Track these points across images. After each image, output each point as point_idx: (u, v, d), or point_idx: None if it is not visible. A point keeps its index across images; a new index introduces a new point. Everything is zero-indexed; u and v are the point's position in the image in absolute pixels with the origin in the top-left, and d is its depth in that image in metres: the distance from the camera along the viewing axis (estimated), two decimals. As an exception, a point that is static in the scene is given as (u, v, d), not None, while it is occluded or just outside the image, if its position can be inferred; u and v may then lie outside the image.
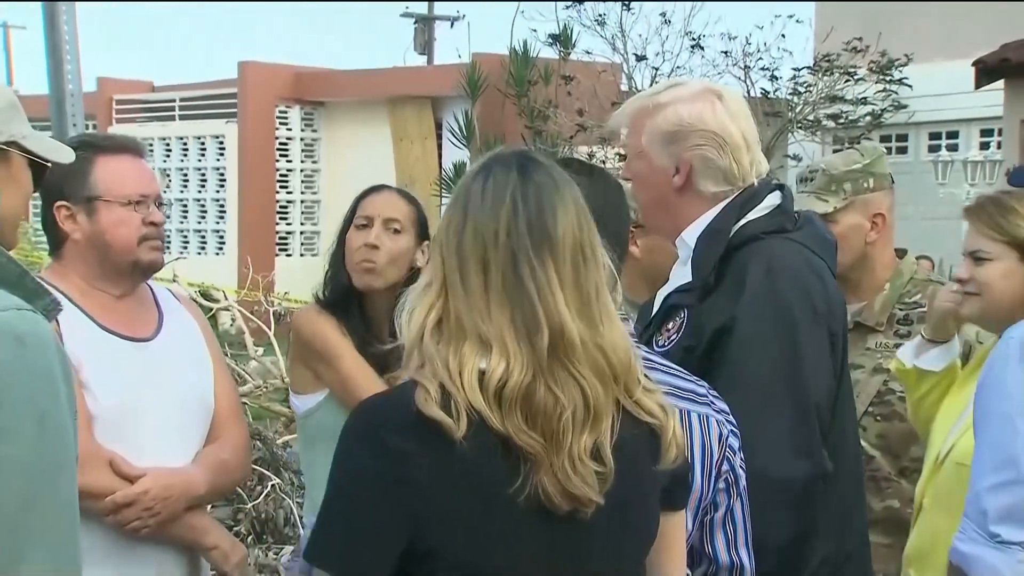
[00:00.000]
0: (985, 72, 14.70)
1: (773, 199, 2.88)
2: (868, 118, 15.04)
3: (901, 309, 3.80)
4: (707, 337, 2.74)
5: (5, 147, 2.27)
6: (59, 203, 2.96)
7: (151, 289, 3.15)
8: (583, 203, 2.08)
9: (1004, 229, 3.05)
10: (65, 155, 2.47)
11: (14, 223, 2.35)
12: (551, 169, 2.09)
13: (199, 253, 19.39)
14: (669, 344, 2.80)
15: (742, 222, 2.84)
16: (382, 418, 2.04)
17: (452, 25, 32.98)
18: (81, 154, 2.91)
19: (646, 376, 2.10)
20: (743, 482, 2.51)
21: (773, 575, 2.62)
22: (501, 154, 2.10)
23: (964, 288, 3.11)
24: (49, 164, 2.37)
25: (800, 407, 2.69)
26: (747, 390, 2.62)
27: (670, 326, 2.86)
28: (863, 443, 3.56)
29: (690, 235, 2.88)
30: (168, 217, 19.27)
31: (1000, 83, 14.65)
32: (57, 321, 2.80)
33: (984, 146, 16.22)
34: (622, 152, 11.37)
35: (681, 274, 2.92)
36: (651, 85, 13.10)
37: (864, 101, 14.90)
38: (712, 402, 2.51)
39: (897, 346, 3.62)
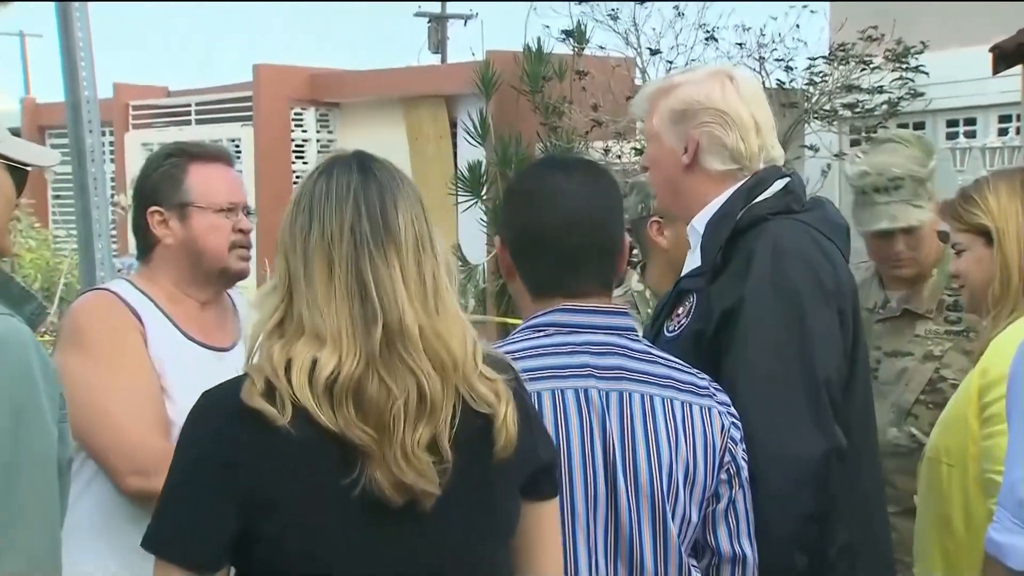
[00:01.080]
0: (1002, 57, 14.62)
1: (781, 183, 2.92)
2: (885, 107, 14.98)
3: (949, 295, 3.79)
4: (715, 319, 2.78)
5: None
6: (152, 208, 3.03)
7: (231, 298, 3.23)
8: (421, 198, 2.17)
9: (965, 219, 3.12)
10: (47, 158, 2.51)
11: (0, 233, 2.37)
12: (390, 166, 2.16)
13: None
14: (679, 329, 2.86)
15: (749, 206, 2.87)
16: (213, 406, 2.10)
17: (466, 23, 33.04)
18: (175, 160, 3.06)
19: (488, 366, 2.16)
20: (745, 473, 2.56)
21: (794, 555, 2.63)
22: (341, 155, 2.17)
23: (957, 284, 3.22)
24: (29, 168, 2.38)
25: (810, 385, 2.70)
26: (755, 371, 2.66)
27: (680, 311, 2.91)
28: (914, 430, 3.55)
29: (700, 222, 2.92)
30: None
31: (1018, 68, 14.55)
32: (142, 324, 2.87)
33: (1002, 132, 16.16)
34: (638, 147, 11.39)
35: (693, 261, 2.97)
36: (666, 79, 13.08)
37: (880, 90, 14.83)
38: (714, 394, 2.58)
39: (948, 333, 3.62)
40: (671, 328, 2.87)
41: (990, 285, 3.08)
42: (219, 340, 3.10)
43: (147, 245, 3.09)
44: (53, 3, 6.94)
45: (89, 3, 6.92)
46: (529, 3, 13.71)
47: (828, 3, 16.86)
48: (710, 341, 2.73)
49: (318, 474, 2.07)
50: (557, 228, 2.53)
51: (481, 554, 2.20)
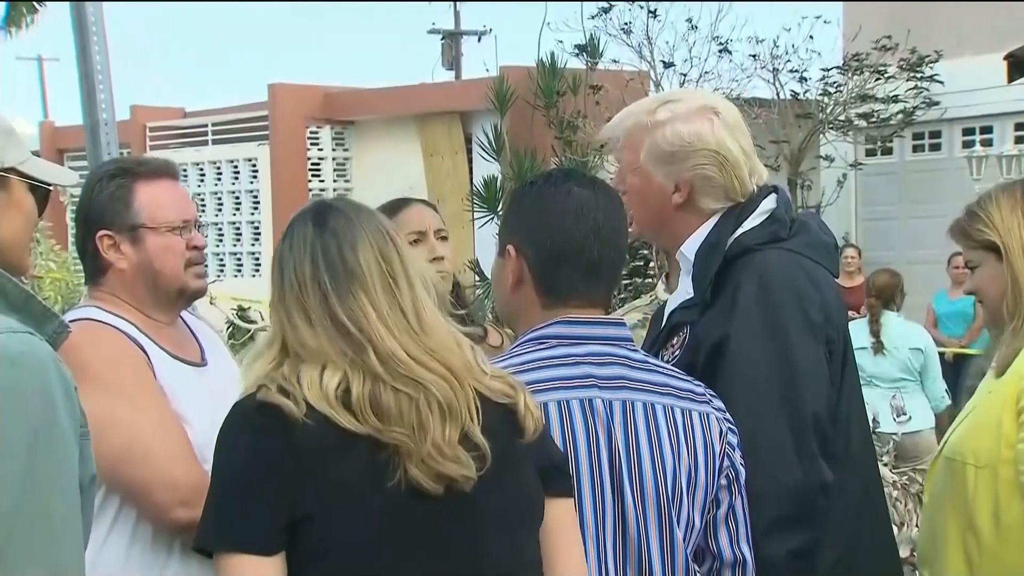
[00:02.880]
0: (1017, 65, 14.59)
1: (768, 204, 2.92)
2: (900, 116, 14.94)
3: None
4: (704, 353, 2.80)
5: (3, 174, 2.29)
6: (101, 232, 2.92)
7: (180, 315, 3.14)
8: (386, 234, 2.29)
9: (973, 236, 3.12)
10: (67, 178, 2.51)
11: (20, 248, 2.38)
12: (348, 209, 2.30)
13: (235, 276, 19.42)
14: (673, 361, 2.85)
15: (738, 232, 2.87)
16: (243, 409, 2.21)
17: (479, 40, 33.02)
18: (120, 181, 2.94)
19: (491, 367, 2.30)
20: (743, 478, 2.60)
21: None
22: (301, 211, 2.32)
23: (976, 300, 3.19)
24: (51, 188, 2.40)
25: (796, 421, 2.72)
26: (741, 407, 2.66)
27: (674, 342, 2.93)
28: None
29: (689, 249, 2.93)
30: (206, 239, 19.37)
31: (1032, 77, 14.58)
32: (147, 354, 2.83)
33: (1019, 140, 16.09)
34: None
35: (684, 287, 2.97)
36: (680, 91, 13.09)
37: (895, 99, 14.80)
38: (710, 400, 2.61)
39: None
40: (666, 359, 2.87)
41: (1002, 302, 3.07)
42: (193, 355, 3.04)
43: (97, 269, 2.97)
44: (71, 28, 6.98)
45: (106, 27, 6.96)
46: (542, 16, 13.73)
47: (842, 11, 16.84)
48: (700, 376, 2.71)
49: (354, 465, 2.16)
50: (583, 239, 2.56)
51: (521, 537, 2.29)
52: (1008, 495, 2.96)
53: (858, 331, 8.23)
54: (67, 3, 7.07)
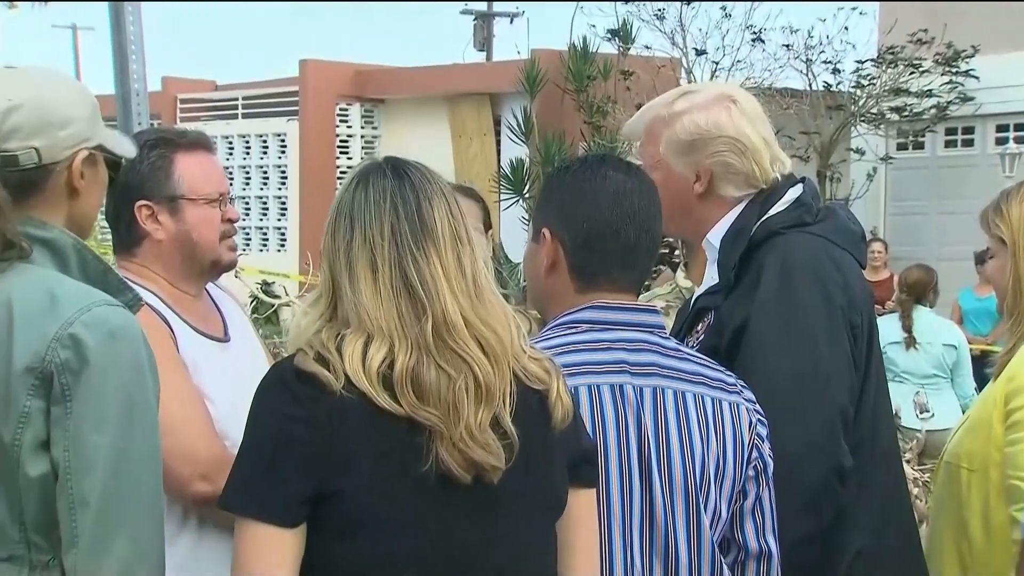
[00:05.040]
0: None
1: (794, 192, 2.93)
2: (933, 111, 14.88)
3: None
4: (727, 337, 2.80)
5: (94, 151, 2.32)
6: (140, 202, 2.90)
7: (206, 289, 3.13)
8: (453, 195, 2.26)
9: (992, 229, 3.16)
10: (132, 149, 2.53)
11: (93, 219, 2.42)
12: (423, 168, 2.25)
13: (261, 250, 19.49)
14: (697, 345, 2.85)
15: (762, 220, 2.87)
16: (278, 376, 2.19)
17: (512, 21, 32.97)
18: (160, 151, 2.93)
19: (531, 347, 2.27)
20: (770, 470, 2.59)
21: (805, 569, 2.64)
22: (374, 163, 2.26)
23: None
24: (123, 161, 2.43)
25: (817, 406, 2.72)
26: (761, 391, 2.65)
27: (699, 327, 2.94)
28: None
29: (715, 236, 2.94)
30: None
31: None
32: (171, 328, 2.84)
33: (1053, 138, 16.01)
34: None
35: (711, 275, 2.98)
36: (711, 80, 13.04)
37: (929, 93, 14.74)
38: (741, 391, 2.61)
39: None
40: (691, 344, 2.87)
41: (1004, 296, 3.12)
42: (216, 330, 3.03)
43: (132, 240, 2.94)
44: (106, -1, 7.01)
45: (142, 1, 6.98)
46: (576, 2, 13.70)
47: (878, 4, 16.76)
48: (722, 360, 2.71)
49: (387, 445, 2.15)
50: (619, 223, 2.55)
51: (541, 527, 2.28)
52: (997, 498, 2.98)
53: (890, 326, 8.20)
54: (103, -26, 7.10)
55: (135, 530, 2.15)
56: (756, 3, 13.89)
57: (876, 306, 9.72)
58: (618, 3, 13.62)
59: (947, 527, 3.11)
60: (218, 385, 2.85)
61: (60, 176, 2.30)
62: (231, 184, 21.16)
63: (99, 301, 2.20)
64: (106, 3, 6.96)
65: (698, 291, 3.10)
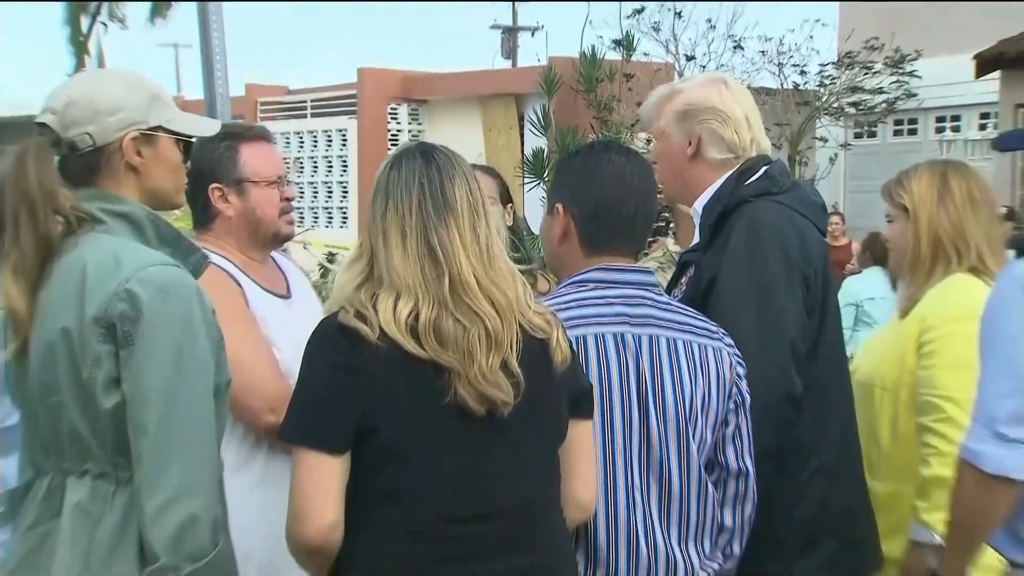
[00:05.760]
0: (984, 64, 14.56)
1: (763, 170, 2.90)
2: (883, 105, 14.79)
3: None
4: (703, 286, 2.77)
5: (151, 132, 2.32)
6: (213, 185, 2.93)
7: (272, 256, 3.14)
8: (473, 175, 2.23)
9: (894, 198, 3.25)
10: (210, 128, 2.53)
11: (173, 191, 2.45)
12: (447, 151, 2.24)
13: (327, 226, 19.48)
14: (680, 296, 2.85)
15: (736, 189, 2.85)
16: (326, 327, 2.18)
17: (532, 34, 33.03)
18: (228, 143, 2.95)
19: (535, 302, 2.26)
20: (748, 404, 2.57)
21: (763, 477, 2.63)
22: (407, 148, 2.25)
23: (889, 247, 3.35)
24: (193, 139, 2.43)
25: (774, 345, 2.68)
26: (728, 331, 2.62)
27: (683, 280, 2.93)
28: None
29: (700, 204, 2.92)
30: (302, 195, 19.46)
31: (996, 73, 14.51)
32: (242, 288, 2.86)
33: (982, 127, 16.02)
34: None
35: (696, 237, 2.98)
36: (699, 81, 12.96)
37: (880, 91, 14.63)
38: (722, 338, 2.59)
39: None
40: (676, 294, 2.87)
41: (907, 254, 3.21)
42: (280, 289, 3.04)
43: (207, 217, 2.98)
44: (197, 21, 7.00)
45: (224, 2, 6.95)
46: (585, 15, 13.64)
47: (837, 14, 16.70)
48: (699, 307, 2.70)
49: (414, 385, 2.14)
50: (621, 199, 2.55)
51: (545, 454, 2.27)
52: (904, 411, 3.11)
53: (866, 284, 8.01)
54: (195, 2, 7.08)
55: (187, 460, 2.15)
56: (737, 15, 13.77)
57: (837, 268, 9.67)
58: (622, 17, 13.55)
59: (859, 436, 3.17)
60: (282, 333, 2.85)
61: (115, 155, 2.32)
62: (302, 171, 21.30)
63: (155, 262, 2.22)
64: (197, 23, 6.96)
65: (685, 251, 3.11)
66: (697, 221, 2.96)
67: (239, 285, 2.88)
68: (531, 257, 3.61)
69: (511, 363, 2.17)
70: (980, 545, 2.52)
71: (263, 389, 2.73)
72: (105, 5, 30.83)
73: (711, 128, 2.91)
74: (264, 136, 3.07)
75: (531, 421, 2.20)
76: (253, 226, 2.96)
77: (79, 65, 27.08)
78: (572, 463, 2.31)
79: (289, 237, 3.07)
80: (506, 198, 3.74)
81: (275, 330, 2.86)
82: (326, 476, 2.13)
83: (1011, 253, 4.04)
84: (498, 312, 2.17)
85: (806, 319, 2.78)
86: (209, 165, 2.91)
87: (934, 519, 2.93)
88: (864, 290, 7.82)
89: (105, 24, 31.07)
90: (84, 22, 30.91)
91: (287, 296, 3.03)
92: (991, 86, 15.14)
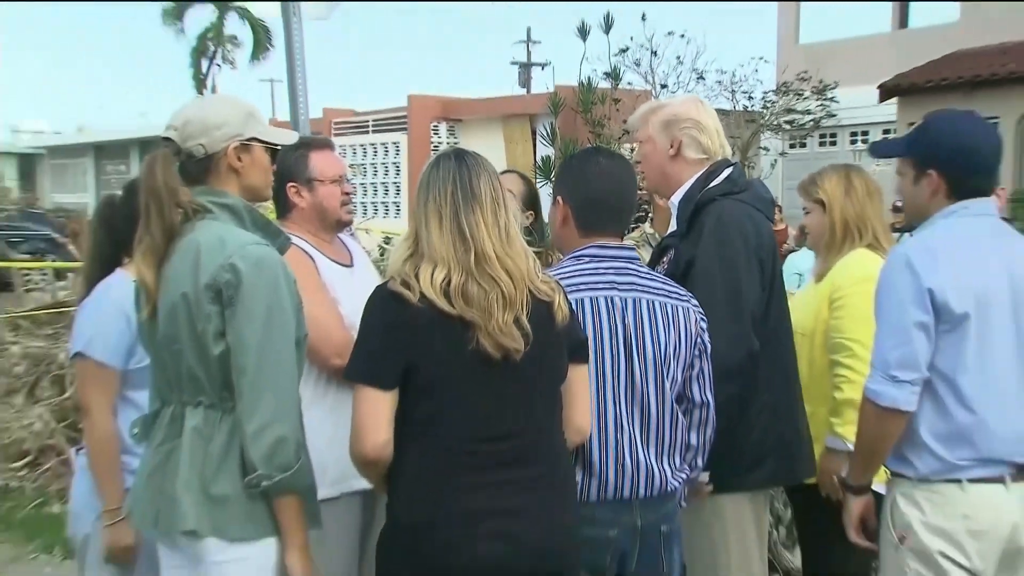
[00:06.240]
0: (885, 92, 14.67)
1: (727, 172, 2.84)
2: (811, 123, 14.70)
3: None
4: (682, 265, 2.71)
5: (248, 142, 2.32)
6: (290, 184, 2.90)
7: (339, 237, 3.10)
8: (495, 174, 2.20)
9: (811, 193, 3.26)
10: (290, 138, 2.53)
11: (263, 187, 2.45)
12: (476, 155, 2.20)
13: (384, 216, 19.50)
14: (663, 270, 2.80)
15: (705, 189, 2.79)
16: (380, 293, 2.16)
17: (542, 68, 33.01)
18: (300, 151, 2.94)
19: (543, 272, 2.23)
20: (709, 350, 2.51)
21: (729, 416, 2.59)
22: (445, 152, 2.21)
23: (806, 232, 3.36)
24: (279, 147, 2.43)
25: (738, 310, 2.64)
26: (703, 302, 2.57)
27: (664, 260, 2.87)
28: None
29: (676, 199, 2.85)
30: (365, 192, 19.46)
31: (895, 100, 14.47)
32: (312, 258, 2.84)
33: (886, 140, 15.92)
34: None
35: (673, 224, 2.91)
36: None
37: (808, 112, 14.56)
38: (689, 299, 2.54)
39: None
40: (659, 270, 2.83)
41: (823, 236, 3.23)
42: (345, 261, 2.99)
43: (286, 208, 2.93)
44: (284, 59, 6.93)
45: (306, 55, 6.87)
46: (582, 53, 13.56)
47: (776, 53, 16.68)
48: (679, 280, 2.66)
49: (447, 336, 2.12)
50: (607, 193, 2.51)
51: (549, 390, 2.24)
52: (820, 352, 3.13)
53: (807, 261, 7.96)
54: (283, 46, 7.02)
55: (276, 393, 2.15)
56: (700, 52, 13.65)
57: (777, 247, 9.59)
58: (611, 55, 13.47)
59: None
60: (346, 295, 2.83)
61: (222, 160, 2.31)
62: (365, 173, 21.26)
63: (251, 242, 2.22)
64: (285, 61, 6.89)
65: (664, 236, 3.06)
66: (674, 212, 2.91)
67: (312, 260, 2.86)
68: (536, 238, 3.57)
69: (522, 319, 2.14)
70: (881, 461, 2.50)
71: (331, 339, 2.70)
72: (219, 51, 31.02)
73: (690, 134, 2.86)
74: (328, 145, 3.04)
75: (538, 365, 2.17)
76: (321, 215, 2.92)
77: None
78: (571, 397, 2.28)
79: (349, 223, 3.03)
80: (531, 202, 3.68)
81: (340, 292, 2.83)
82: (379, 406, 2.12)
83: (897, 236, 4.08)
84: (512, 280, 2.15)
85: (760, 292, 2.75)
86: (286, 168, 2.89)
87: (846, 431, 2.95)
88: (804, 262, 7.79)
89: (219, 66, 31.32)
90: (203, 64, 31.10)
91: (350, 266, 2.99)
92: (891, 109, 15.17)
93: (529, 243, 2.29)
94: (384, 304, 2.14)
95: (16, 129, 42.39)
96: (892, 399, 2.36)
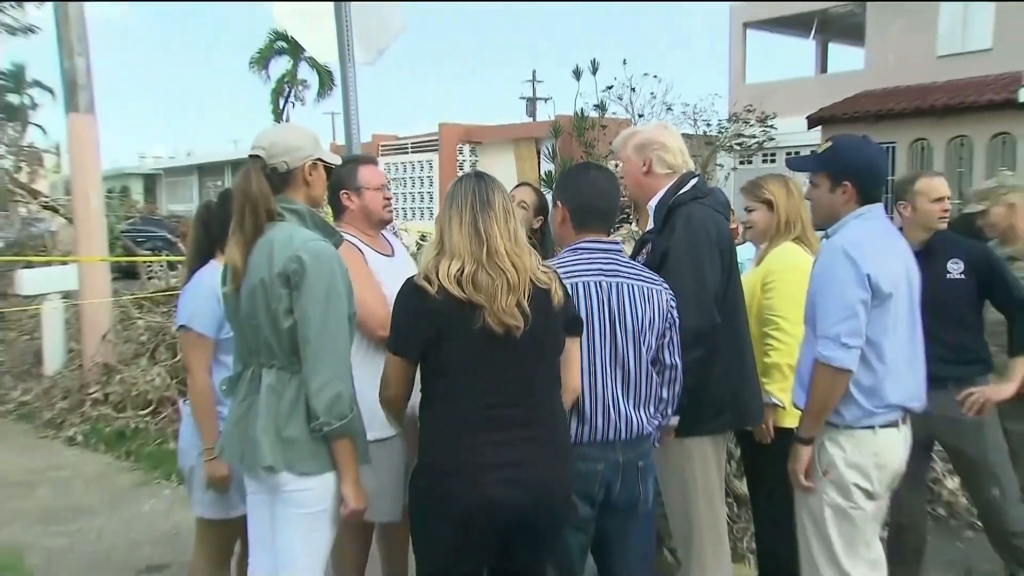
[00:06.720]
0: (812, 121, 14.65)
1: (692, 183, 2.78)
2: (755, 145, 14.62)
3: None
4: (658, 257, 2.66)
5: (316, 162, 2.29)
6: (343, 191, 2.87)
7: (382, 234, 3.06)
8: (505, 191, 2.17)
9: (757, 195, 3.21)
10: (339, 160, 2.49)
11: (322, 197, 2.42)
12: (490, 176, 2.19)
13: (419, 219, 19.48)
14: (643, 261, 2.74)
15: (676, 195, 2.74)
16: (408, 285, 2.13)
17: (545, 102, 32.87)
18: (350, 166, 2.91)
19: (543, 264, 2.19)
20: (678, 323, 2.47)
21: (695, 375, 2.53)
22: (468, 174, 2.19)
23: (748, 224, 3.28)
24: (334, 167, 2.39)
25: (699, 287, 2.58)
26: (675, 286, 2.52)
27: (644, 251, 2.80)
28: None
29: (651, 204, 2.79)
30: (404, 200, 19.38)
31: (819, 127, 14.43)
32: (361, 251, 2.80)
33: (815, 158, 15.77)
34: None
35: (650, 223, 2.85)
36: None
37: (753, 136, 14.48)
38: (662, 283, 2.48)
39: None
40: (640, 260, 2.79)
41: (768, 230, 3.19)
42: (387, 251, 2.95)
43: (339, 210, 2.89)
44: (340, 94, 6.88)
45: (359, 90, 6.83)
46: (576, 89, 13.50)
47: (728, 89, 16.60)
48: (656, 268, 2.62)
49: (459, 317, 2.09)
50: (596, 199, 2.47)
51: (548, 362, 2.20)
52: (755, 323, 3.04)
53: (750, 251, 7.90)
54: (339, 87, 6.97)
55: (334, 360, 2.13)
56: (670, 90, 13.60)
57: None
58: (599, 91, 13.41)
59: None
60: (389, 280, 2.78)
61: (298, 175, 2.29)
62: (404, 186, 21.16)
63: (313, 239, 2.19)
64: (341, 96, 6.85)
65: (643, 232, 3.01)
66: (651, 214, 2.88)
67: (361, 252, 2.83)
68: (540, 242, 3.51)
69: (522, 303, 2.10)
70: (827, 414, 2.45)
71: (375, 315, 2.68)
72: (292, 91, 31.17)
73: (658, 154, 2.81)
74: (372, 161, 3.01)
75: (536, 341, 2.13)
76: (367, 215, 2.90)
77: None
78: (567, 363, 2.25)
79: (390, 221, 3.00)
80: (541, 210, 3.64)
81: (384, 277, 2.81)
82: (399, 371, 2.16)
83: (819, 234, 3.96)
84: (516, 271, 2.12)
85: (720, 275, 2.71)
86: (339, 179, 2.87)
87: (773, 388, 2.99)
88: (745, 253, 7.70)
89: (292, 103, 31.46)
90: (280, 102, 31.29)
91: (392, 256, 2.96)
92: (816, 134, 15.11)
93: (532, 247, 2.26)
94: (409, 295, 2.13)
95: (142, 155, 43.21)
96: (842, 361, 2.35)
